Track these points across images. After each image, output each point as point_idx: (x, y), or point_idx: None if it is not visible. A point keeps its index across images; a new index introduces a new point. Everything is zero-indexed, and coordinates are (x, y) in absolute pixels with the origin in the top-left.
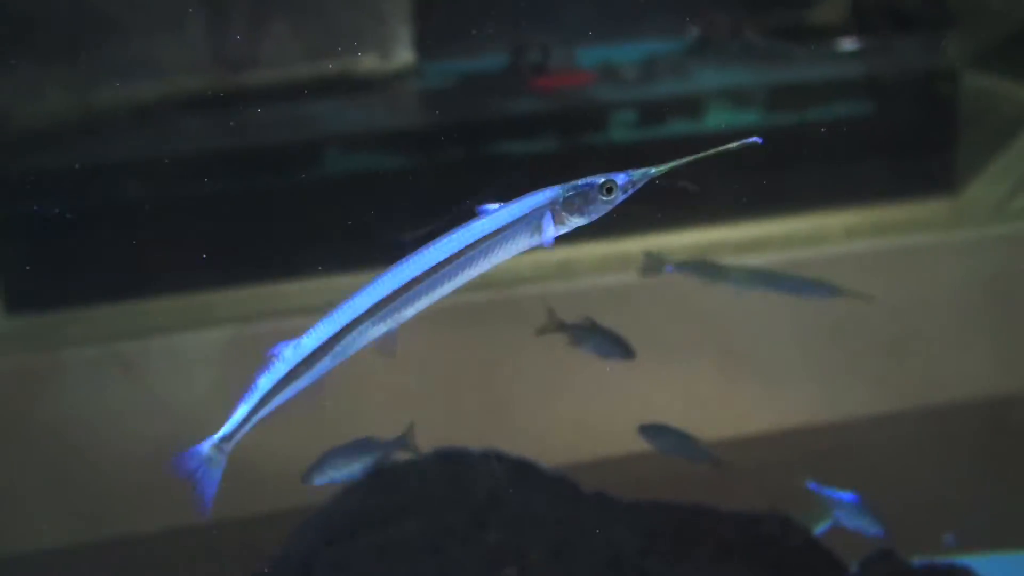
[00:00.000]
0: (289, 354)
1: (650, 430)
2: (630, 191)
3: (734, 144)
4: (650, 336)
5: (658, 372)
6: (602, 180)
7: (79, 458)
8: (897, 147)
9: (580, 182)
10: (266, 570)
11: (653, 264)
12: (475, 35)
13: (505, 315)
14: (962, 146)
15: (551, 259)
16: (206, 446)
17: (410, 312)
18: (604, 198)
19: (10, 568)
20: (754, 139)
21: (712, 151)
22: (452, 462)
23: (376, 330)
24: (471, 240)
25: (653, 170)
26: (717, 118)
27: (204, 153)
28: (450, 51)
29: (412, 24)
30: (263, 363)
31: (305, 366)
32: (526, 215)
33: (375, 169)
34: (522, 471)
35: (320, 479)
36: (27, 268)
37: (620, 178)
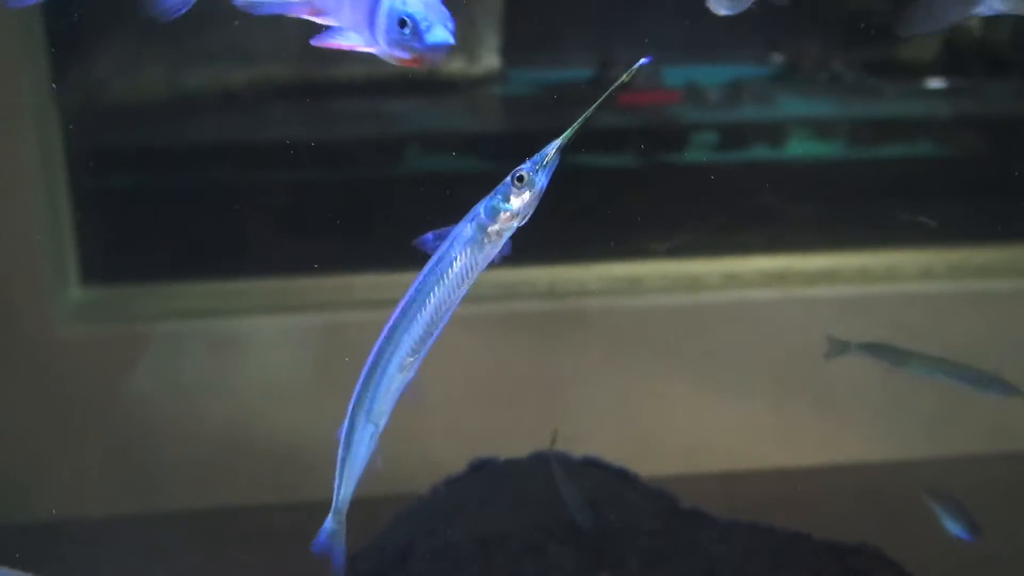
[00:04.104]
0: (343, 433)
1: None
2: (547, 169)
3: (626, 75)
4: (712, 358)
5: (717, 394)
6: (510, 176)
7: (144, 430)
8: (979, 189)
9: (497, 189)
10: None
11: (838, 347)
12: (562, 46)
13: (571, 326)
14: None
15: (619, 274)
16: (328, 523)
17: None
18: (522, 189)
19: (71, 532)
20: (645, 59)
21: (607, 92)
22: (553, 465)
23: (392, 385)
24: (434, 290)
25: (557, 141)
26: (798, 147)
27: (286, 142)
28: (536, 60)
29: (500, 30)
30: (334, 445)
31: (352, 436)
32: (462, 247)
33: (453, 171)
34: (621, 480)
35: None
36: (104, 241)
37: (526, 166)
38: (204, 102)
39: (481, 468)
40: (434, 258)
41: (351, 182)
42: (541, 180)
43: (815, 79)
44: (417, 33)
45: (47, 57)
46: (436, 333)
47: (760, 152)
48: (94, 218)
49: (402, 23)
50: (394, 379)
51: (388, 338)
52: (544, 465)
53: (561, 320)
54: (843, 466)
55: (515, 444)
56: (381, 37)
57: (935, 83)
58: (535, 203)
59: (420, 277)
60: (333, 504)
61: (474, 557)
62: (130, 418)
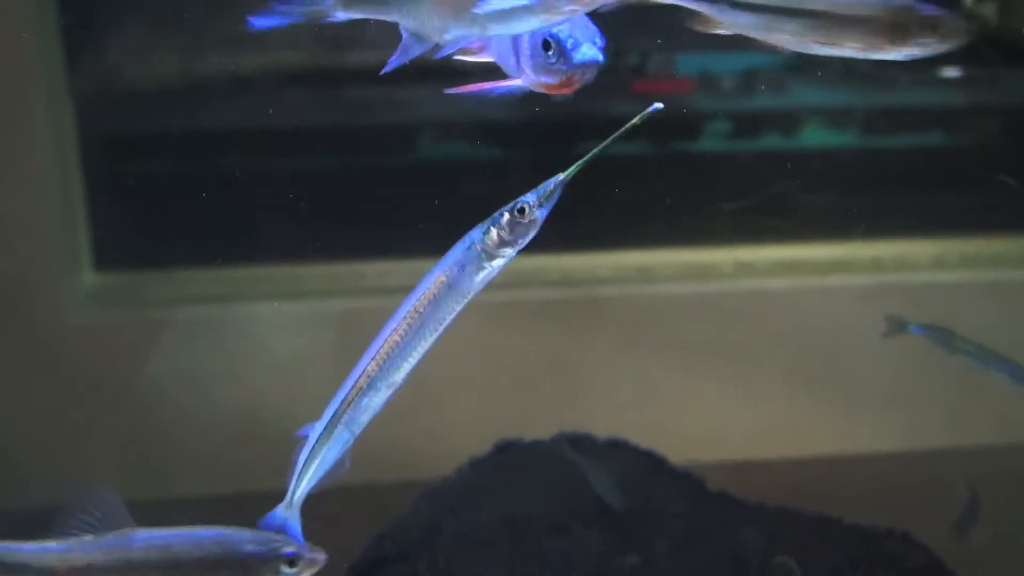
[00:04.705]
0: (312, 433)
1: None
2: (548, 204)
3: (636, 119)
4: (725, 347)
5: (729, 383)
6: (511, 206)
7: (156, 416)
8: (993, 179)
9: (495, 216)
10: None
11: (896, 325)
12: None
13: (581, 314)
14: None
15: (631, 262)
16: (279, 511)
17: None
18: (522, 220)
19: None
20: (656, 106)
21: (617, 132)
22: (578, 447)
23: (376, 399)
24: (422, 309)
25: (561, 176)
26: (812, 136)
27: (298, 128)
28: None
29: None
30: (297, 444)
31: (327, 439)
32: (456, 270)
33: (467, 159)
34: (649, 462)
35: None
36: (117, 227)
37: (529, 198)
38: (217, 89)
39: (506, 450)
40: (427, 280)
41: (365, 170)
42: (541, 214)
43: (829, 68)
44: (563, 54)
45: (60, 43)
46: (425, 352)
47: (773, 141)
48: (107, 204)
49: (546, 45)
50: (379, 393)
51: (378, 354)
52: (570, 447)
53: (575, 308)
54: (856, 456)
55: (525, 431)
56: (526, 64)
57: (950, 72)
58: (533, 234)
59: (413, 298)
60: (288, 497)
61: (499, 538)
62: (143, 404)
